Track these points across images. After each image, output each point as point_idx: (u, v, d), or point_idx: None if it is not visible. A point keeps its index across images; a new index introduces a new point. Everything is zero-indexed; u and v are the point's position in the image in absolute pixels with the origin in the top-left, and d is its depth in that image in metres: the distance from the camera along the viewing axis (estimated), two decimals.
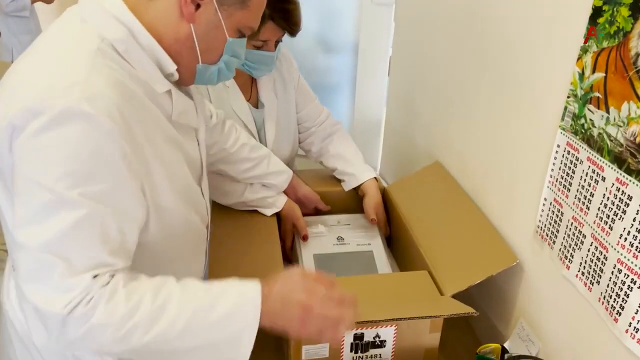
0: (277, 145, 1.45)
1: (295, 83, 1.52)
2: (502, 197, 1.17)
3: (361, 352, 1.05)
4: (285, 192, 1.39)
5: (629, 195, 0.78)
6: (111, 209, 0.76)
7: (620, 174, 0.79)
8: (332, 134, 1.54)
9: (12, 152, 0.75)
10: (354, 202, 1.48)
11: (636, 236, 0.77)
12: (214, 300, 0.78)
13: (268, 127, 1.43)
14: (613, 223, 0.81)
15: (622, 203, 0.79)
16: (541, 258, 1.03)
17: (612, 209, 0.81)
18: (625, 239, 0.78)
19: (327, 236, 1.36)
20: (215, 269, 1.13)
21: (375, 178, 1.46)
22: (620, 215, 0.79)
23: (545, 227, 1.00)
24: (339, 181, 1.52)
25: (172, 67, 0.86)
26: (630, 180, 0.77)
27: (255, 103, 1.45)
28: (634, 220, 0.77)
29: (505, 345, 1.12)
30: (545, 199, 0.99)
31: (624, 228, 0.79)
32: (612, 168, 0.81)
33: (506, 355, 1.04)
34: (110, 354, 0.83)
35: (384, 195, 1.47)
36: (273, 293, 0.80)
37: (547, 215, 0.99)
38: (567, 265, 0.93)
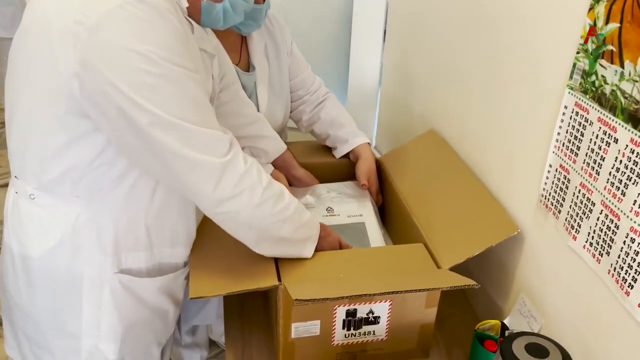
0: (270, 111, 1.36)
1: (289, 49, 1.44)
2: (502, 165, 1.10)
3: (354, 329, 0.99)
4: (276, 168, 1.32)
5: None
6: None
7: (635, 134, 0.72)
8: (324, 100, 1.46)
9: (82, 60, 0.76)
10: (346, 173, 1.41)
11: None
12: (303, 209, 0.99)
13: (260, 91, 1.35)
14: (626, 188, 0.74)
15: (636, 166, 0.72)
16: (545, 229, 0.96)
17: (625, 173, 0.74)
18: None
19: (316, 207, 1.28)
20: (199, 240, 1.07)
21: (368, 144, 1.39)
22: (635, 180, 0.72)
23: (549, 195, 0.93)
24: (331, 153, 1.44)
25: (185, 2, 0.89)
26: None
27: (246, 67, 1.37)
28: None
29: (505, 321, 1.07)
30: (550, 166, 0.92)
31: (639, 194, 0.72)
32: (625, 128, 0.74)
33: (507, 332, 0.98)
34: (236, 223, 0.91)
35: (377, 166, 1.39)
36: (325, 240, 1.05)
37: (552, 183, 0.92)
38: (573, 235, 0.87)
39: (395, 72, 1.83)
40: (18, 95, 0.87)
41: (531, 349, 0.86)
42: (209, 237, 1.08)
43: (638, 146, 0.72)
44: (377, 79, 2.06)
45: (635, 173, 0.72)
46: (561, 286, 0.93)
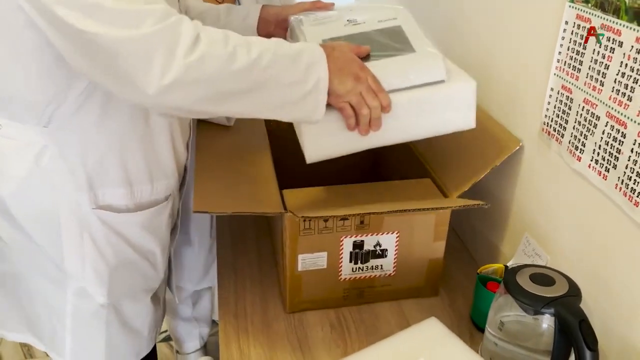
0: None
1: None
2: (503, 98, 1.05)
3: (361, 262, 0.96)
4: (262, 33, 1.11)
5: None
6: None
7: None
8: None
9: None
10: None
11: None
12: (283, 41, 0.79)
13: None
14: (632, 92, 0.69)
15: None
16: (548, 158, 0.91)
17: (631, 76, 0.70)
18: None
19: (335, 21, 1.01)
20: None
21: None
22: None
23: (552, 121, 0.89)
24: None
25: None
26: None
27: None
28: None
29: (509, 264, 1.02)
30: (551, 89, 0.88)
31: None
32: (630, 28, 0.69)
33: (509, 266, 0.93)
34: (215, 92, 0.73)
35: None
36: (333, 55, 0.80)
37: (555, 107, 0.87)
38: (578, 156, 0.82)
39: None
40: None
41: (536, 278, 0.81)
42: (212, 153, 1.05)
43: None
44: None
45: None
46: (566, 216, 0.88)
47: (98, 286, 0.96)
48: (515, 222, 1.04)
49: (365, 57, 0.86)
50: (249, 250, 1.20)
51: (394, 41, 0.90)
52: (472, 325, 1.01)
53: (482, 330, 0.99)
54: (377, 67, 0.84)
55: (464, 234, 1.25)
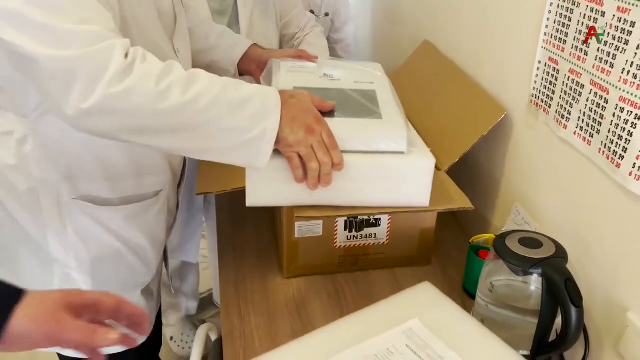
0: (252, 37, 1.34)
1: None
2: (494, 73, 1.09)
3: (355, 230, 0.99)
4: (243, 68, 1.15)
5: (631, 22, 0.70)
6: None
7: (621, 1, 0.71)
8: (306, 36, 1.45)
9: None
10: None
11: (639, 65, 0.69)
12: (238, 84, 0.77)
13: (242, 13, 1.31)
14: (614, 59, 0.73)
15: (624, 33, 0.71)
16: (536, 129, 0.95)
17: (612, 44, 0.73)
18: (628, 72, 0.70)
19: (313, 73, 1.02)
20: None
21: None
22: (622, 48, 0.71)
23: (539, 92, 0.92)
24: None
25: None
26: (633, 4, 0.69)
27: None
28: (638, 47, 0.69)
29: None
30: (539, 62, 0.91)
31: (626, 60, 0.71)
32: None
33: (498, 234, 0.97)
34: (138, 125, 0.71)
35: None
36: (289, 102, 0.79)
37: (542, 78, 0.91)
38: (564, 124, 0.85)
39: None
40: None
41: (525, 242, 0.85)
42: None
43: (625, 12, 0.70)
44: None
45: (623, 40, 0.71)
46: (553, 184, 0.92)
47: (81, 274, 0.95)
48: (506, 194, 1.08)
49: (329, 113, 0.85)
50: (247, 224, 1.24)
51: (363, 104, 0.91)
52: (464, 294, 1.05)
53: (474, 298, 1.03)
54: (338, 124, 0.83)
55: None
